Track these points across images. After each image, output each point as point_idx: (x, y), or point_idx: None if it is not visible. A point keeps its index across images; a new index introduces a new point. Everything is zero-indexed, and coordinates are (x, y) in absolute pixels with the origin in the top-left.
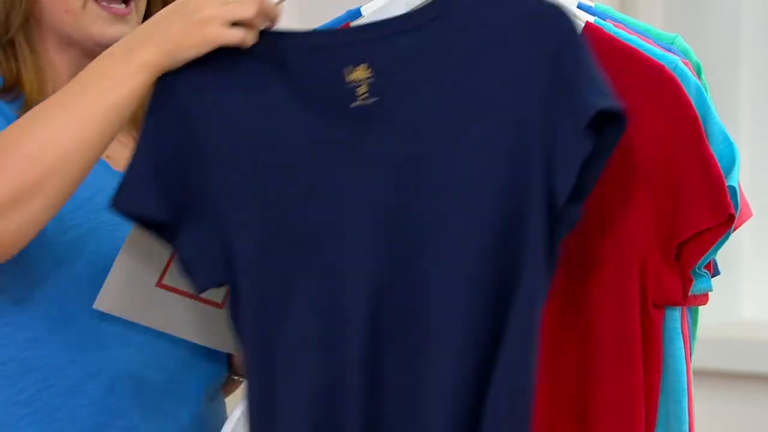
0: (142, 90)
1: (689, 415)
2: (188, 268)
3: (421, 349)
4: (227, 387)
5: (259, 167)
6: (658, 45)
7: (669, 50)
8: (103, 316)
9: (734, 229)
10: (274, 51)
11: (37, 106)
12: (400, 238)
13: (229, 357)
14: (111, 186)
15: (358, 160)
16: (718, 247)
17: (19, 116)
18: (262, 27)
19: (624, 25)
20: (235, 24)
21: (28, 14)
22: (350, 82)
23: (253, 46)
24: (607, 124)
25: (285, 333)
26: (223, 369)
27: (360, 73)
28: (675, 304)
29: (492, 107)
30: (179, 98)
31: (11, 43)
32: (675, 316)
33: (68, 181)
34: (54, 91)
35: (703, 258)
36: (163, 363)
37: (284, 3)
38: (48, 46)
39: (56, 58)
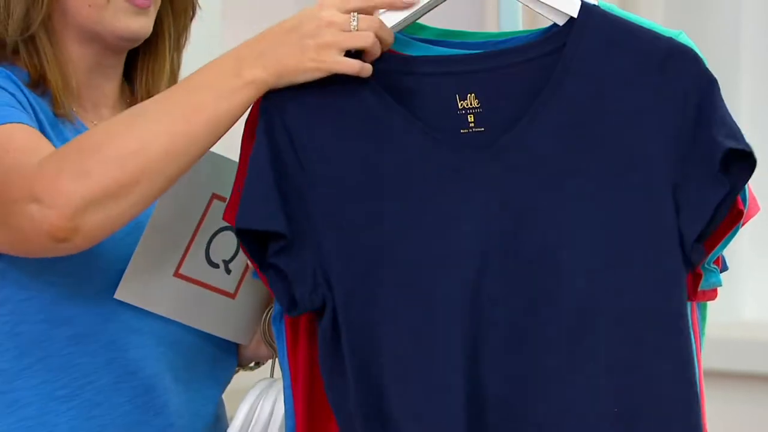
0: (245, 106)
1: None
2: (289, 286)
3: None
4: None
5: (363, 190)
6: None
7: None
8: (144, 315)
9: (742, 224)
10: (388, 73)
11: (139, 105)
12: (510, 269)
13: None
14: None
15: (469, 188)
16: (728, 242)
17: (51, 111)
18: (378, 55)
19: None
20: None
21: (50, 10)
22: (462, 109)
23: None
24: (737, 166)
25: (386, 357)
26: (235, 362)
27: (469, 102)
28: (687, 298)
29: (615, 146)
30: (287, 118)
31: (32, 39)
32: (703, 313)
33: (160, 184)
34: (77, 86)
35: (713, 253)
36: (193, 360)
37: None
38: (69, 41)
39: (77, 54)
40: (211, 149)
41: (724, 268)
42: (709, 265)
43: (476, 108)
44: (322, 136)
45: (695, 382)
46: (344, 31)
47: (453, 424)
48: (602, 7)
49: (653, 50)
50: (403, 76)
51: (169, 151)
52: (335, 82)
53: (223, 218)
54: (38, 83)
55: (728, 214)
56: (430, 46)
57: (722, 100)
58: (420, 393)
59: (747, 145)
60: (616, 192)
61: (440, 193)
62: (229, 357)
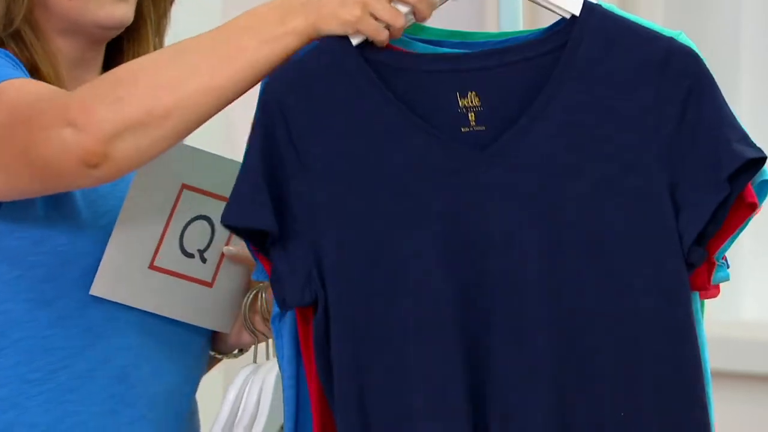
0: (286, 54)
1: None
2: (280, 283)
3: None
4: (208, 364)
5: (362, 187)
6: None
7: None
8: (119, 305)
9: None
10: (388, 68)
11: (181, 42)
12: (509, 269)
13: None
14: (130, 175)
15: (469, 187)
16: (740, 233)
17: None
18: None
19: None
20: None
21: (31, 4)
22: (462, 108)
23: (367, 64)
24: (746, 170)
25: (382, 354)
26: (207, 357)
27: (470, 101)
28: (702, 288)
29: (615, 146)
30: (285, 111)
31: (18, 34)
32: (696, 307)
33: (192, 120)
34: (68, 77)
35: (726, 242)
36: (172, 352)
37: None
38: (53, 35)
39: (62, 46)
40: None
41: (727, 265)
42: (719, 260)
43: (477, 106)
44: (321, 131)
45: (701, 387)
46: (385, 2)
47: (456, 418)
48: (603, 7)
49: (654, 50)
50: (404, 73)
51: (206, 87)
52: (337, 75)
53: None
54: (32, 75)
55: (735, 211)
56: (431, 46)
57: (724, 101)
58: (421, 389)
59: (761, 151)
60: (615, 192)
61: (440, 192)
62: (206, 350)
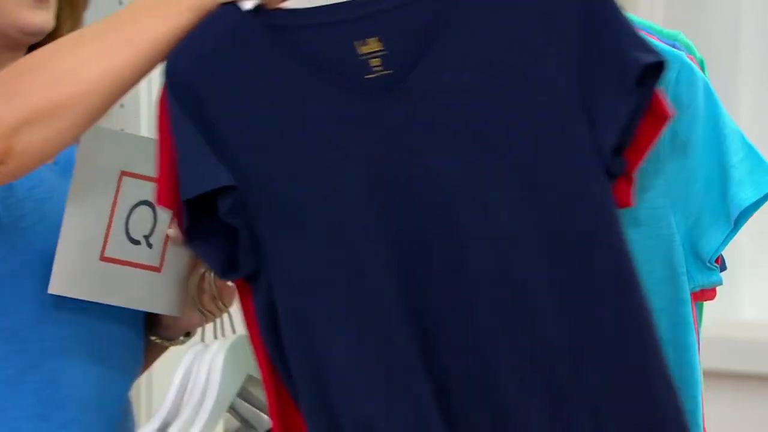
0: (183, 29)
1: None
2: (230, 249)
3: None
4: (152, 353)
5: (282, 149)
6: (661, 41)
7: (673, 46)
8: (49, 306)
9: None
10: (284, 29)
11: (80, 30)
12: (430, 206)
13: (148, 321)
14: (47, 178)
15: (383, 128)
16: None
17: None
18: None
19: None
20: None
21: None
22: (362, 55)
23: (262, 25)
24: (651, 75)
25: (325, 306)
26: (141, 348)
27: (372, 46)
28: (625, 205)
29: (521, 70)
30: (193, 87)
31: None
32: (686, 310)
33: (94, 107)
34: None
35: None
36: (106, 351)
37: None
38: None
39: None
40: (111, 127)
41: (723, 268)
42: (711, 264)
43: (381, 50)
44: (231, 102)
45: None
46: None
47: (406, 365)
48: None
49: None
50: (302, 30)
51: (108, 71)
52: (236, 45)
53: (158, 204)
54: None
55: (648, 120)
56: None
57: (621, 12)
58: (363, 342)
59: (660, 55)
60: (527, 115)
61: (359, 139)
62: (138, 346)
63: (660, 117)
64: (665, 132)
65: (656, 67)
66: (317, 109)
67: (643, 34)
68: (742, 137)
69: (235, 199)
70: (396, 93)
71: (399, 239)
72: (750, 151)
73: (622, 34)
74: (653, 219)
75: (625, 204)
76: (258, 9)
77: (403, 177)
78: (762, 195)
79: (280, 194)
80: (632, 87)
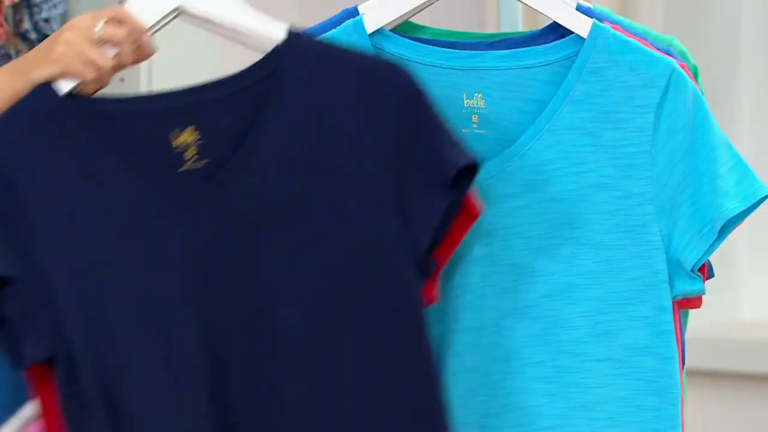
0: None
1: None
2: (16, 338)
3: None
4: None
5: (88, 239)
6: (656, 48)
7: (668, 53)
8: None
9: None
10: (101, 116)
11: None
12: (239, 298)
13: None
14: None
15: (187, 222)
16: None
17: None
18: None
19: (621, 26)
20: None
21: None
22: (177, 147)
23: (80, 113)
24: (465, 176)
25: (132, 394)
26: None
27: (187, 137)
28: (430, 302)
29: (337, 168)
30: (5, 168)
31: None
32: (667, 318)
33: None
34: None
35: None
36: None
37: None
38: None
39: None
40: None
41: (710, 275)
42: (694, 273)
43: (197, 140)
44: (41, 183)
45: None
46: (91, 44)
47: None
48: (304, 35)
49: (360, 70)
50: (115, 118)
51: None
52: (50, 125)
53: None
54: None
55: (459, 219)
56: (423, 45)
57: (433, 109)
58: (169, 419)
59: (474, 158)
60: (341, 213)
61: (168, 232)
62: None
63: (470, 216)
64: (654, 139)
65: (470, 169)
66: (126, 199)
67: (637, 40)
68: (730, 147)
69: (21, 286)
70: (212, 182)
71: (207, 325)
72: (737, 161)
73: (439, 132)
74: (640, 225)
75: (430, 301)
76: (73, 94)
77: (214, 267)
78: (748, 206)
79: (87, 277)
80: (447, 187)
